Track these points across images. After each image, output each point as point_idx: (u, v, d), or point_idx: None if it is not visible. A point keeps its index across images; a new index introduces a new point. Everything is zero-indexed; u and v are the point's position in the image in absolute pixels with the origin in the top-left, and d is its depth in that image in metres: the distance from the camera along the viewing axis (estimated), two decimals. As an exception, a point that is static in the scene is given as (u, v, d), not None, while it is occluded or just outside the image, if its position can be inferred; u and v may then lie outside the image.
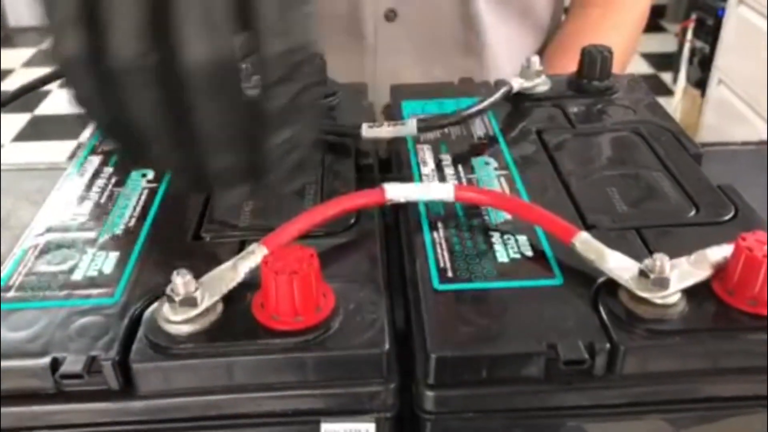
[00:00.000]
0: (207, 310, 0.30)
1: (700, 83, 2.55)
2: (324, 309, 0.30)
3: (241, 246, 0.35)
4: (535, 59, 0.49)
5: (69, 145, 2.73)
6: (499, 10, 0.70)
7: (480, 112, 0.45)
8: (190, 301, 0.30)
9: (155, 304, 0.31)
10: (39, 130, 2.67)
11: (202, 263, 0.34)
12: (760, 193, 0.67)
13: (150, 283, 0.33)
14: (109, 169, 0.43)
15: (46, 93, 2.97)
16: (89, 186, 0.41)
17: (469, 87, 0.52)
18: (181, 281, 0.30)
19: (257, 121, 0.28)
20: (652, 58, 3.33)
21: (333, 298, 0.31)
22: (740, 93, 2.21)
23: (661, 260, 0.30)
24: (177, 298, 0.29)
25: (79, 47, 0.27)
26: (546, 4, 0.74)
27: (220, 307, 0.31)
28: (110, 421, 0.30)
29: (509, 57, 0.74)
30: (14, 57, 3.37)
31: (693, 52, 2.62)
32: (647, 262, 0.30)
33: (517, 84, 0.48)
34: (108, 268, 0.34)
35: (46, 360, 0.29)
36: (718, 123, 2.41)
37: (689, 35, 2.65)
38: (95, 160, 0.44)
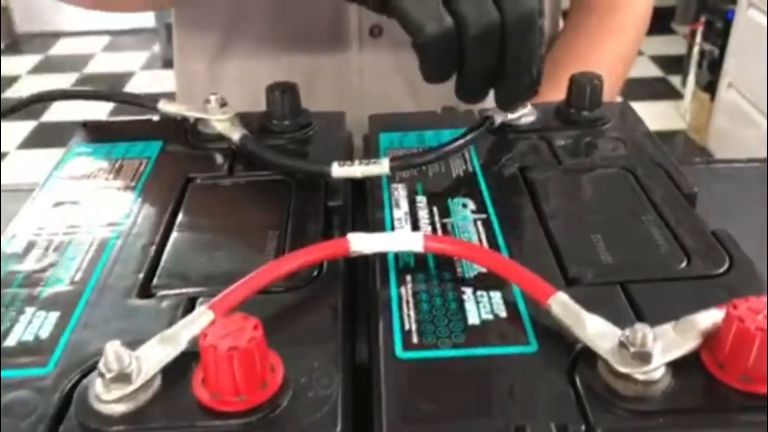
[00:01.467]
0: (143, 386, 0.28)
1: (710, 86, 2.52)
2: (271, 385, 0.28)
3: (192, 304, 0.33)
4: (520, 89, 0.46)
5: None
6: None
7: (459, 149, 0.42)
8: (123, 377, 0.27)
9: (90, 377, 0.29)
10: (44, 138, 2.67)
11: (147, 325, 0.32)
12: (762, 211, 0.64)
13: (88, 348, 0.30)
14: (61, 214, 0.40)
15: (51, 100, 2.96)
16: (38, 233, 0.38)
17: (451, 116, 0.49)
18: (114, 356, 0.27)
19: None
20: (660, 60, 3.29)
21: (281, 372, 0.28)
22: (750, 97, 2.18)
23: (642, 331, 0.27)
24: (109, 375, 0.27)
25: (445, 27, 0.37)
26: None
27: (158, 382, 0.28)
28: (38, 508, 0.27)
29: None
30: (20, 64, 3.37)
31: (702, 54, 2.58)
32: (628, 333, 0.27)
33: (501, 116, 0.45)
34: (45, 331, 0.31)
35: (-36, 444, 0.26)
36: (727, 127, 2.38)
37: (698, 38, 2.62)
38: (48, 202, 0.41)
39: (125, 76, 3.33)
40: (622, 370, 0.27)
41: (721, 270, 0.34)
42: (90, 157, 0.46)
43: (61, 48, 3.56)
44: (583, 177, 0.42)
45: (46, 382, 0.29)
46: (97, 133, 0.49)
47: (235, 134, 0.44)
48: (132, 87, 3.23)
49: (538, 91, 0.41)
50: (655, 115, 2.79)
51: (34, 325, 0.32)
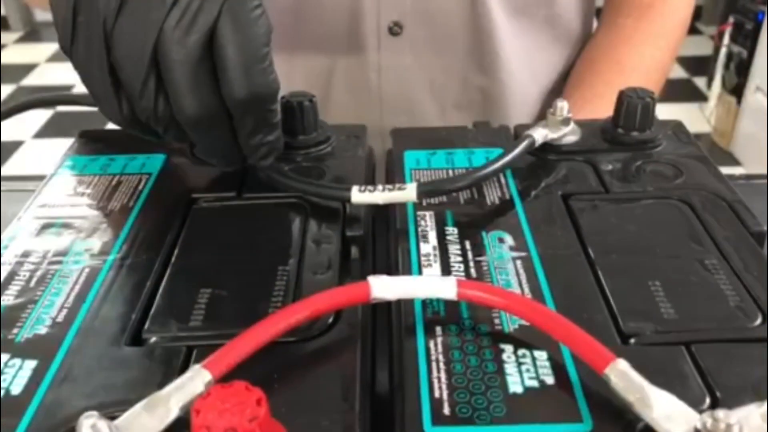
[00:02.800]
0: (125, 465, 0.23)
1: (736, 90, 2.46)
2: (276, 468, 0.23)
3: (189, 354, 0.28)
4: (563, 105, 0.41)
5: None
6: (518, 21, 0.62)
7: (495, 174, 0.37)
8: (101, 454, 0.23)
9: (63, 450, 0.24)
10: (61, 127, 2.64)
11: (137, 380, 0.27)
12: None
13: (66, 409, 0.26)
14: (47, 242, 0.36)
15: (69, 89, 2.94)
16: (20, 262, 0.34)
17: (484, 133, 0.44)
18: (91, 430, 0.23)
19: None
20: (685, 61, 3.21)
21: (289, 450, 0.24)
22: (779, 101, 2.12)
23: (726, 422, 0.22)
24: (83, 454, 0.23)
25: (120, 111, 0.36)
26: (575, 12, 0.66)
27: (143, 458, 0.24)
28: None
29: (532, 74, 0.66)
30: (39, 52, 3.35)
31: (729, 56, 2.52)
32: (707, 419, 0.23)
33: (541, 135, 0.40)
34: (18, 386, 0.27)
35: None
36: (753, 132, 2.31)
37: (726, 39, 2.55)
38: (33, 227, 0.37)
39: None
40: (700, 464, 0.22)
41: (804, 330, 0.29)
42: (85, 172, 0.42)
43: (79, 36, 3.53)
44: (634, 209, 0.37)
45: (14, 452, 0.25)
46: (96, 143, 0.45)
47: (245, 150, 0.40)
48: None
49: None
50: (678, 118, 2.73)
51: (6, 376, 0.28)
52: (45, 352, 0.29)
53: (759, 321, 0.30)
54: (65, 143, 0.45)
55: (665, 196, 0.38)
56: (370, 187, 0.36)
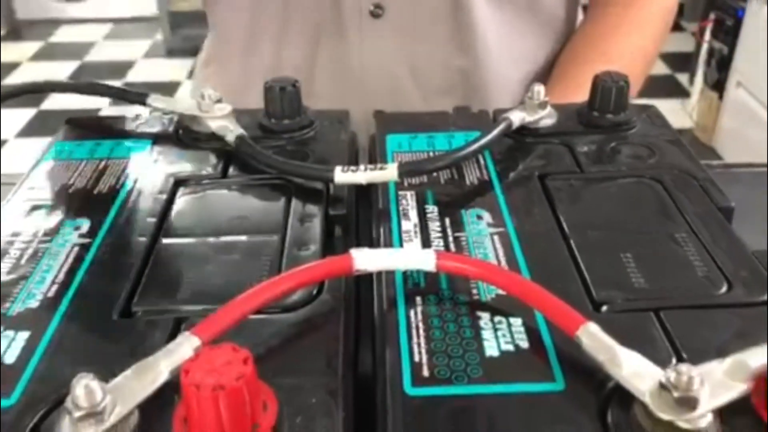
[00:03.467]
0: (118, 425, 0.24)
1: (718, 85, 2.49)
2: (262, 426, 0.24)
3: (178, 326, 0.29)
4: (540, 89, 0.42)
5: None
6: (499, 6, 0.64)
7: (473, 154, 0.39)
8: (95, 414, 0.24)
9: (57, 411, 0.25)
10: (44, 126, 2.63)
11: (126, 350, 0.28)
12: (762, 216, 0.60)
13: (58, 377, 0.27)
14: (36, 221, 0.37)
15: (50, 88, 2.93)
16: (11, 241, 0.35)
17: (463, 116, 0.46)
18: (83, 390, 0.23)
19: None
20: (667, 57, 3.24)
21: (275, 410, 0.25)
22: (759, 96, 2.15)
23: (688, 374, 0.23)
24: (77, 413, 0.23)
25: None
26: (559, 1, 0.68)
27: (134, 419, 0.25)
28: None
29: (512, 57, 0.67)
30: (21, 51, 3.33)
31: (711, 52, 2.55)
32: (670, 374, 0.24)
33: (519, 117, 0.42)
34: (12, 356, 0.28)
35: None
36: (735, 127, 2.34)
37: (707, 35, 2.58)
38: (22, 208, 0.38)
39: (127, 65, 3.30)
40: (663, 416, 0.24)
41: (766, 297, 0.30)
42: (72, 157, 0.42)
43: (62, 35, 3.52)
44: (608, 187, 0.38)
45: (9, 416, 0.25)
46: (82, 129, 0.46)
47: (230, 134, 0.41)
48: (133, 76, 3.20)
49: None
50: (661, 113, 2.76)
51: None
52: (37, 324, 0.30)
53: (724, 289, 0.31)
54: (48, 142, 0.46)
55: (638, 175, 0.39)
56: (352, 168, 0.37)
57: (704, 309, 0.30)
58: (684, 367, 0.24)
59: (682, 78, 3.04)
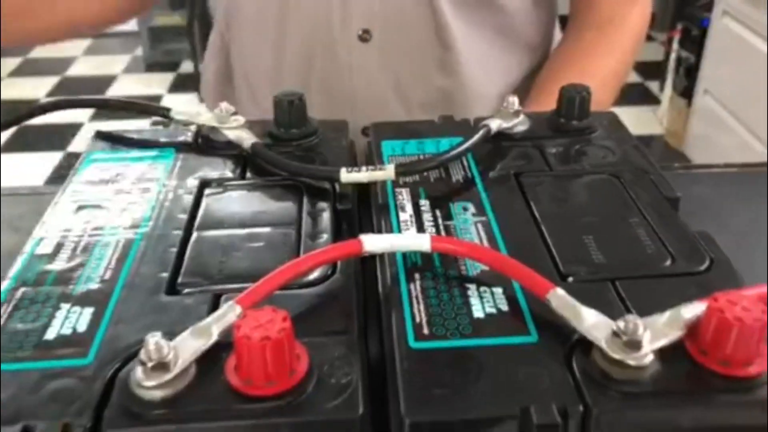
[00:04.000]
0: (180, 374, 0.30)
1: (686, 92, 2.57)
2: (297, 372, 0.30)
3: (216, 300, 0.35)
4: (513, 99, 0.49)
5: (56, 156, 2.72)
6: (471, 28, 0.70)
7: (458, 156, 0.45)
8: (162, 365, 0.30)
9: (128, 367, 0.31)
10: (25, 141, 2.66)
11: (176, 319, 0.34)
12: (738, 212, 0.67)
13: (124, 341, 0.33)
14: (85, 217, 0.42)
15: (34, 103, 2.96)
16: (65, 235, 0.41)
17: (449, 125, 0.52)
18: (154, 345, 0.29)
19: None
20: (639, 66, 3.34)
21: (306, 360, 0.31)
22: (725, 102, 2.23)
23: (633, 322, 0.30)
24: (149, 363, 0.29)
25: None
26: (529, 23, 0.74)
27: (193, 370, 0.31)
28: (82, 488, 0.30)
29: (489, 76, 0.74)
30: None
31: (679, 61, 2.64)
32: (620, 323, 0.30)
33: (496, 124, 0.48)
34: (82, 325, 0.34)
35: (17, 428, 0.29)
36: (703, 132, 2.43)
37: (675, 45, 2.67)
38: (70, 207, 0.43)
39: (107, 80, 3.33)
40: (616, 356, 0.30)
41: (702, 268, 0.37)
42: (106, 164, 0.48)
43: (41, 51, 3.54)
44: (573, 182, 0.45)
45: (88, 371, 0.31)
46: (110, 141, 0.52)
47: (247, 141, 0.47)
48: (114, 91, 3.23)
49: None
50: (633, 120, 2.86)
51: (70, 320, 0.34)
52: (99, 302, 0.35)
53: (669, 262, 0.38)
54: (29, 158, 0.51)
55: (599, 172, 0.46)
56: (356, 169, 0.44)
57: (652, 278, 0.37)
58: (631, 318, 0.30)
59: (653, 86, 3.14)
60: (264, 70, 0.73)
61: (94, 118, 2.98)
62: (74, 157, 2.69)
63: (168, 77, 3.37)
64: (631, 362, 0.30)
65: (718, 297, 0.31)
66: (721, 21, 2.22)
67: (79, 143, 2.83)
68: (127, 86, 3.29)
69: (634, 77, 3.26)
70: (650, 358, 0.30)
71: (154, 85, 3.28)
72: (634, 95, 3.09)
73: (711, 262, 0.37)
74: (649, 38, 3.54)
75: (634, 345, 0.30)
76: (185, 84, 3.23)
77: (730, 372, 0.30)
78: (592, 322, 0.32)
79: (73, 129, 2.92)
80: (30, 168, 2.57)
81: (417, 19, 0.68)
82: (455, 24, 0.69)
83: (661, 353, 0.31)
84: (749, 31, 2.05)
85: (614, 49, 0.73)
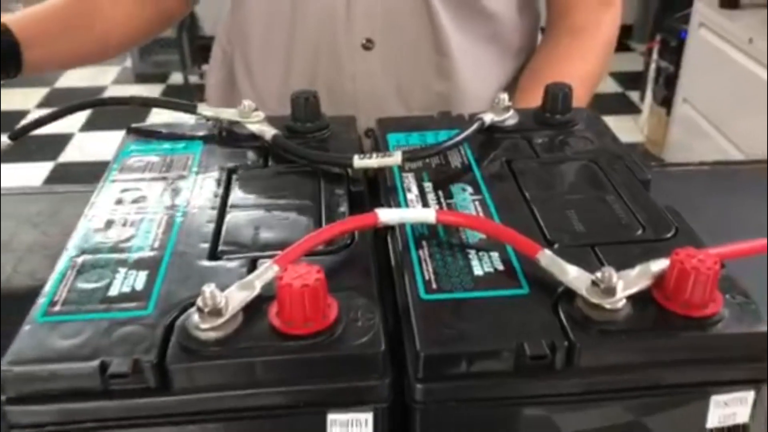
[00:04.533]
0: (230, 319, 0.36)
1: (666, 101, 2.65)
2: (329, 316, 0.36)
3: (253, 265, 0.41)
4: (504, 96, 0.55)
5: (48, 165, 2.76)
6: (465, 36, 0.77)
7: (457, 144, 0.51)
8: (216, 311, 0.35)
9: (184, 315, 0.37)
10: (19, 151, 2.70)
11: (220, 279, 0.40)
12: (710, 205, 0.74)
13: (177, 297, 0.39)
14: (129, 198, 0.48)
15: (24, 114, 3.00)
16: (113, 212, 0.46)
17: (447, 119, 0.58)
18: (210, 294, 0.35)
19: None
20: (619, 76, 3.44)
21: (336, 307, 0.37)
22: (703, 111, 2.31)
23: (609, 272, 0.36)
24: (206, 309, 0.35)
25: None
26: (515, 30, 0.81)
27: (240, 317, 0.36)
28: (147, 415, 0.35)
29: (481, 80, 0.80)
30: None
31: (658, 71, 2.72)
32: (598, 274, 0.36)
33: (489, 118, 0.54)
34: (139, 284, 0.39)
35: (95, 363, 0.34)
36: (682, 139, 2.51)
37: (654, 55, 2.75)
38: (116, 189, 0.49)
39: (97, 91, 3.37)
40: (594, 301, 0.36)
41: (669, 235, 0.43)
42: (143, 154, 0.54)
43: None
44: (557, 167, 0.51)
45: (150, 320, 0.37)
46: (142, 134, 0.57)
47: (268, 133, 0.53)
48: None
49: None
50: (615, 129, 2.94)
51: (128, 281, 0.40)
52: (151, 266, 0.41)
53: (640, 231, 0.44)
54: (23, 168, 0.55)
55: (579, 158, 0.52)
56: (367, 155, 0.50)
57: (625, 244, 0.43)
58: (607, 269, 0.36)
59: (634, 95, 3.22)
60: (272, 79, 0.79)
61: (84, 129, 3.03)
62: (65, 166, 2.74)
63: (157, 89, 3.42)
64: (607, 306, 0.36)
65: (679, 252, 0.37)
66: (698, 32, 2.30)
67: (70, 153, 2.88)
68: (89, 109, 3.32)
69: (615, 87, 3.36)
70: (623, 302, 0.37)
71: (143, 96, 3.32)
72: (616, 105, 3.18)
73: (676, 230, 0.44)
74: (630, 49, 3.64)
75: (610, 292, 0.36)
76: (175, 95, 3.28)
77: (689, 313, 0.36)
78: (574, 275, 0.38)
79: (66, 139, 2.97)
80: (24, 177, 2.61)
81: (416, 28, 0.75)
82: (451, 32, 0.75)
83: (633, 299, 0.37)
84: (725, 42, 2.13)
85: (588, 53, 0.80)
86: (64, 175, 2.73)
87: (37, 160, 2.78)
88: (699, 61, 2.32)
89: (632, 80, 3.28)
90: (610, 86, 3.37)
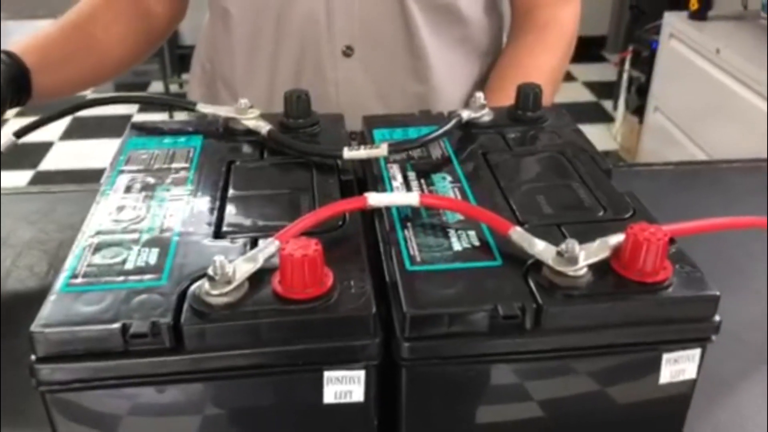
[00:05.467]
0: (237, 287, 0.40)
1: (638, 110, 2.72)
2: (326, 283, 0.41)
3: (254, 243, 0.45)
4: (480, 95, 0.60)
5: (28, 174, 2.78)
6: (439, 40, 0.82)
7: (437, 138, 0.56)
8: (225, 279, 0.40)
9: (196, 284, 0.41)
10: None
11: (225, 255, 0.44)
12: (675, 203, 0.79)
13: (188, 270, 0.43)
14: (137, 186, 0.52)
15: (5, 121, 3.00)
16: (124, 199, 0.50)
17: (427, 117, 0.63)
18: (219, 264, 0.39)
19: None
20: (593, 86, 3.52)
21: (332, 276, 0.41)
22: (674, 119, 2.38)
23: (572, 244, 0.41)
24: (216, 277, 0.39)
25: None
26: (483, 33, 0.86)
27: (246, 285, 0.41)
28: (163, 372, 0.39)
29: (454, 81, 0.85)
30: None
31: (631, 81, 2.79)
32: (563, 245, 0.41)
33: (466, 115, 0.59)
34: (152, 259, 0.44)
35: (117, 325, 0.38)
36: (655, 147, 2.58)
37: (627, 65, 2.83)
38: (124, 179, 0.53)
39: (76, 100, 3.38)
40: (559, 269, 0.41)
41: (627, 216, 0.48)
42: (146, 147, 0.58)
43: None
44: (528, 159, 0.56)
45: (165, 288, 0.41)
46: (144, 130, 0.62)
47: (263, 129, 0.57)
48: (83, 111, 3.28)
49: None
50: (589, 137, 3.02)
51: (142, 256, 0.44)
52: (162, 244, 0.45)
53: (601, 213, 0.49)
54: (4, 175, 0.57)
55: (548, 152, 0.57)
56: (355, 147, 0.54)
57: (588, 223, 0.48)
58: (570, 241, 0.41)
59: (607, 104, 3.30)
60: (257, 89, 0.84)
61: (63, 137, 3.05)
62: (45, 175, 2.75)
63: (138, 98, 3.45)
64: (571, 273, 0.41)
65: (633, 226, 0.42)
66: (668, 43, 2.37)
67: (49, 161, 2.90)
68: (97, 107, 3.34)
69: (589, 96, 3.44)
70: (585, 270, 0.42)
71: (122, 105, 3.34)
72: (590, 113, 3.26)
73: (633, 211, 0.49)
74: (603, 60, 3.73)
75: (573, 261, 0.41)
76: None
77: (643, 279, 0.41)
78: (542, 248, 0.43)
79: (45, 147, 2.99)
80: (4, 185, 2.62)
81: (393, 33, 0.80)
82: (426, 36, 0.80)
83: (593, 269, 0.42)
84: (694, 53, 2.20)
85: (552, 48, 0.85)
86: (44, 183, 2.75)
87: (18, 168, 2.80)
88: (669, 70, 2.40)
89: (606, 90, 3.36)
90: (585, 95, 3.45)
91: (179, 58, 3.30)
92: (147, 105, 0.70)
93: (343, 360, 0.40)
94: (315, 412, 0.42)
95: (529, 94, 0.61)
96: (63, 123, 3.18)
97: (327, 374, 0.41)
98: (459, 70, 0.85)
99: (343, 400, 0.41)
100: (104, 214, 0.49)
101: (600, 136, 3.00)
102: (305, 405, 0.41)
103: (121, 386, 0.40)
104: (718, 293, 0.42)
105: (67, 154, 2.96)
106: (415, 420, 0.43)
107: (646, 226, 0.42)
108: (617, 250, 0.43)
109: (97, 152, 2.87)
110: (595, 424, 0.45)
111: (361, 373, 0.41)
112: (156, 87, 3.47)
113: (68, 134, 3.08)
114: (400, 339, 0.40)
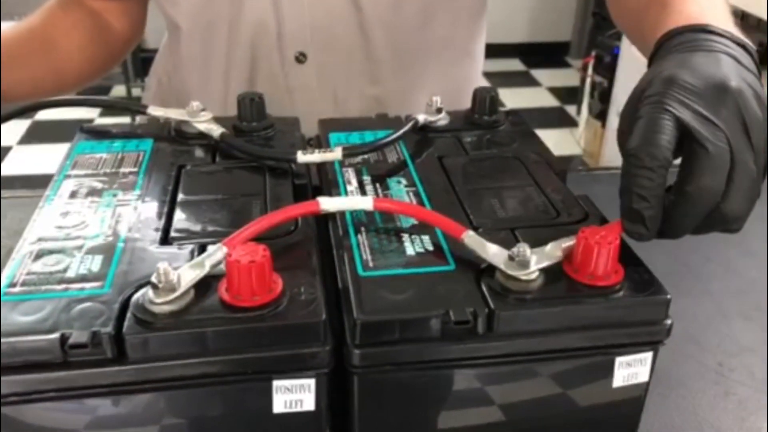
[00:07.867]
0: (182, 294, 0.39)
1: (601, 115, 2.76)
2: (275, 290, 0.40)
3: (202, 249, 0.44)
4: (437, 98, 0.60)
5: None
6: (397, 44, 0.81)
7: (393, 142, 0.55)
8: (170, 286, 0.38)
9: (140, 292, 0.40)
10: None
11: (172, 262, 0.43)
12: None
13: (132, 276, 0.42)
14: (83, 191, 0.51)
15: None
16: (68, 204, 0.49)
17: (384, 120, 0.63)
18: (163, 270, 0.38)
19: None
20: (557, 91, 3.56)
21: (281, 283, 0.40)
22: (636, 124, 2.40)
23: (523, 248, 0.41)
24: (160, 285, 0.38)
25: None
26: (441, 34, 0.84)
27: (192, 292, 0.40)
28: (105, 384, 0.38)
29: (412, 84, 0.84)
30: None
31: (593, 86, 2.82)
32: (514, 249, 0.41)
33: (422, 118, 0.59)
34: (95, 267, 0.42)
35: (56, 335, 0.37)
36: (617, 152, 2.60)
37: (590, 71, 2.86)
38: (70, 184, 0.52)
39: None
40: (512, 273, 0.41)
41: (579, 219, 0.48)
42: (95, 151, 0.57)
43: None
44: (483, 162, 0.56)
45: (107, 297, 0.40)
46: (93, 134, 0.60)
47: (216, 132, 0.56)
48: (45, 114, 3.22)
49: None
50: (552, 142, 3.04)
51: (85, 263, 0.43)
52: (106, 251, 0.44)
53: (555, 216, 0.49)
54: None
55: (504, 155, 0.57)
56: (309, 151, 0.53)
57: (541, 227, 0.47)
58: (521, 245, 0.41)
59: (571, 109, 3.34)
60: (211, 101, 0.82)
61: (22, 142, 2.99)
62: (4, 180, 2.69)
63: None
64: (522, 278, 0.41)
65: (584, 230, 0.42)
66: (630, 49, 2.40)
67: (8, 166, 2.84)
68: (59, 110, 3.28)
69: (553, 101, 3.47)
70: (536, 274, 0.41)
71: (85, 108, 3.29)
72: (554, 118, 3.29)
73: (586, 215, 0.49)
74: (566, 65, 3.77)
75: (524, 265, 0.41)
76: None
77: (595, 283, 0.41)
78: (494, 252, 0.42)
79: (4, 152, 2.92)
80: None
81: (347, 37, 0.78)
82: (381, 39, 0.79)
83: (546, 273, 0.42)
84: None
85: None
86: (4, 188, 2.68)
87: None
88: (631, 75, 2.41)
89: (569, 95, 3.40)
90: (548, 101, 3.49)
91: (142, 62, 3.25)
92: (103, 108, 0.68)
93: (293, 368, 0.39)
94: (265, 422, 0.41)
95: (485, 98, 0.61)
96: (21, 127, 3.12)
97: (276, 383, 0.40)
98: (415, 73, 0.84)
99: (293, 410, 0.40)
100: (47, 220, 0.47)
101: (564, 141, 3.03)
102: (254, 415, 0.40)
103: (62, 399, 0.38)
104: (669, 296, 0.42)
105: (24, 160, 2.91)
106: (367, 428, 0.42)
107: (597, 229, 0.42)
108: (569, 254, 0.42)
109: (57, 157, 2.81)
110: (548, 428, 0.45)
111: (311, 382, 0.40)
112: (119, 91, 3.42)
113: (27, 139, 3.02)
114: (350, 346, 0.39)
